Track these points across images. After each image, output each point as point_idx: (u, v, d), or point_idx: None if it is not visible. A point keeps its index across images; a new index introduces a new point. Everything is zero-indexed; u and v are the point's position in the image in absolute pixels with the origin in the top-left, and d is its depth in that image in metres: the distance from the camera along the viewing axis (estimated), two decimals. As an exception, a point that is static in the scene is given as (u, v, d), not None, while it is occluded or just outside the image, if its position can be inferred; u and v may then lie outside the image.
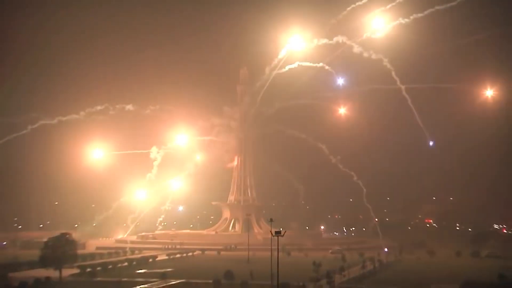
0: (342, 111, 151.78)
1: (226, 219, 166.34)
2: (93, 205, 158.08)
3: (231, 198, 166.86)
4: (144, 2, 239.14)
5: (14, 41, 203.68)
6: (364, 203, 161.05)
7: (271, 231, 60.92)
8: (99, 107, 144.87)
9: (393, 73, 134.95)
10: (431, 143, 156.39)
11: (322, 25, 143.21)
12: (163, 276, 79.25)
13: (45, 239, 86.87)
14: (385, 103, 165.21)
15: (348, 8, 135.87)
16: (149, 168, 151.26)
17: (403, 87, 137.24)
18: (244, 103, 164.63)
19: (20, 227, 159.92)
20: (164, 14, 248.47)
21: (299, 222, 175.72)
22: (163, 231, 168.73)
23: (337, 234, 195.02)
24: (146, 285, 71.83)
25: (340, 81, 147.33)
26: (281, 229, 59.17)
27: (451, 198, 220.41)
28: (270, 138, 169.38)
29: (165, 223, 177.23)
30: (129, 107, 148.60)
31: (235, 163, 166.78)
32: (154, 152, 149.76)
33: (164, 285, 72.67)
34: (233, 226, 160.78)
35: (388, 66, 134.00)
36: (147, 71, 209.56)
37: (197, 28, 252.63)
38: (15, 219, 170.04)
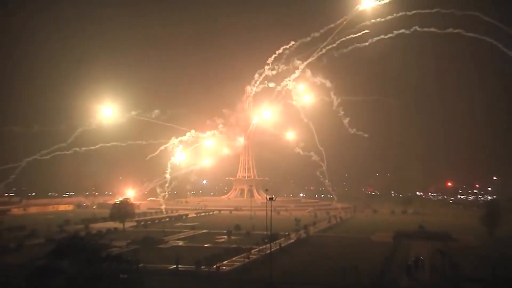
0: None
1: (235, 189, 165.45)
2: (145, 180, 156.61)
3: (239, 174, 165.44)
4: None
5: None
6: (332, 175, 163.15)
7: (266, 198, 61.22)
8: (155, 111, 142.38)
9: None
10: None
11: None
12: (193, 228, 79.89)
13: (113, 202, 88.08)
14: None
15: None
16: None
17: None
18: (247, 110, 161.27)
19: (96, 193, 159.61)
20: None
21: (286, 191, 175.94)
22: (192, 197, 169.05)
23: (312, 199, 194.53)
24: (181, 234, 72.71)
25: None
26: (273, 196, 59.40)
27: (388, 175, 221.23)
28: (266, 134, 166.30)
29: (193, 192, 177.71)
30: (157, 111, 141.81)
31: (243, 142, 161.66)
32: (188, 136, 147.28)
33: (193, 233, 73.25)
34: (241, 194, 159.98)
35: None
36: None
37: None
38: (93, 188, 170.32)
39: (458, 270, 41.48)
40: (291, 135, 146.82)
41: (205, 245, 59.40)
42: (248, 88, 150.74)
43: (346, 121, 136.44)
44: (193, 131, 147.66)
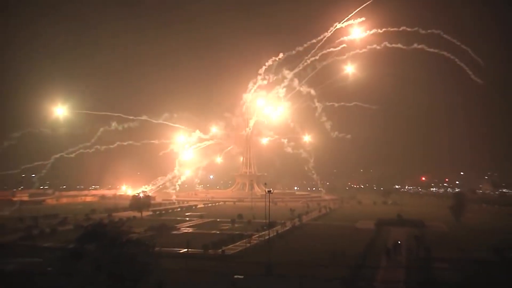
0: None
1: (238, 183, 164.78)
2: (158, 175, 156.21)
3: (241, 170, 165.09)
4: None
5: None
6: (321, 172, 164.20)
7: (265, 190, 61.25)
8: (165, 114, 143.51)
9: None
10: None
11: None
12: (201, 217, 79.96)
13: (132, 194, 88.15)
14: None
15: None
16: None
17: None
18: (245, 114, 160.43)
19: (118, 187, 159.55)
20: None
21: (282, 185, 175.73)
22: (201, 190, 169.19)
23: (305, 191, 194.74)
24: (191, 222, 72.72)
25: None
26: (271, 189, 59.52)
27: (371, 171, 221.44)
28: (263, 136, 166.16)
29: (202, 185, 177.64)
30: (166, 115, 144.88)
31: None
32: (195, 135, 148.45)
33: (201, 221, 73.13)
34: (243, 187, 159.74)
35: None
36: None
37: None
38: (114, 182, 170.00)
39: (430, 252, 41.56)
40: (285, 140, 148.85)
41: (212, 232, 59.37)
42: (244, 96, 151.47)
43: (328, 125, 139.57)
44: (197, 132, 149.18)
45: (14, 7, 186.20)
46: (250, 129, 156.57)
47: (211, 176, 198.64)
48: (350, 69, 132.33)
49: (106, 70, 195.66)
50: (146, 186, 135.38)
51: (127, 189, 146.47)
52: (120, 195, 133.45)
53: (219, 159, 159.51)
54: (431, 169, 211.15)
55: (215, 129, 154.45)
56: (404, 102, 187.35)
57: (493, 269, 33.79)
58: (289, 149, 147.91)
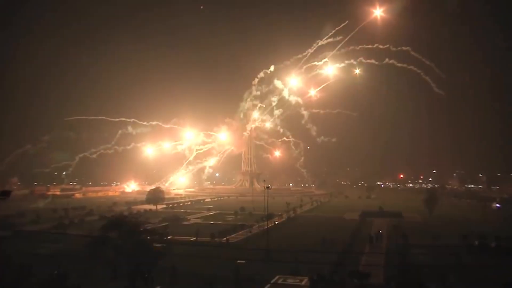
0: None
1: (240, 179, 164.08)
2: (169, 173, 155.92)
3: (243, 168, 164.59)
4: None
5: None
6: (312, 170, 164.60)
7: (264, 186, 61.25)
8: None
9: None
10: None
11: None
12: (208, 209, 79.92)
13: (148, 189, 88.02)
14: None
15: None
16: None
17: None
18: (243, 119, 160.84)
19: (136, 183, 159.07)
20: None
21: (278, 181, 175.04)
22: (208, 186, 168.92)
23: (298, 187, 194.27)
24: (199, 214, 72.56)
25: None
26: (269, 185, 59.54)
27: (356, 169, 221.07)
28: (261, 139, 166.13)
29: (208, 182, 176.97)
30: (174, 120, 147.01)
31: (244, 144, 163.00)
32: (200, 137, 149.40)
33: (209, 213, 72.98)
34: (244, 184, 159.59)
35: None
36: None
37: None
38: (132, 179, 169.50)
39: (406, 239, 41.50)
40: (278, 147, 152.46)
41: (218, 222, 59.27)
42: (241, 104, 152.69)
43: (314, 130, 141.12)
44: (202, 134, 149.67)
45: (45, 20, 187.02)
46: (248, 133, 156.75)
47: (217, 174, 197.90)
48: (332, 79, 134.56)
49: (121, 81, 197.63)
50: (158, 183, 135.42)
51: (144, 185, 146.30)
52: (138, 190, 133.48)
53: (220, 160, 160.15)
54: (408, 167, 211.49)
55: (218, 133, 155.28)
56: (380, 109, 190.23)
57: (460, 253, 34.43)
58: (282, 150, 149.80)
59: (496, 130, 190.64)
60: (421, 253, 36.60)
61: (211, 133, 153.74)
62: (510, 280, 24.72)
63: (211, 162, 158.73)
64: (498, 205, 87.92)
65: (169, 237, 37.29)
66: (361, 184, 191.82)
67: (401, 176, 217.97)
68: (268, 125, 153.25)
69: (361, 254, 36.55)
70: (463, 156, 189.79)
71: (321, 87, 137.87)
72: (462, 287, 25.56)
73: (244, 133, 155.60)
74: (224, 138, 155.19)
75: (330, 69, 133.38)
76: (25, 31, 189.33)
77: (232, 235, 45.08)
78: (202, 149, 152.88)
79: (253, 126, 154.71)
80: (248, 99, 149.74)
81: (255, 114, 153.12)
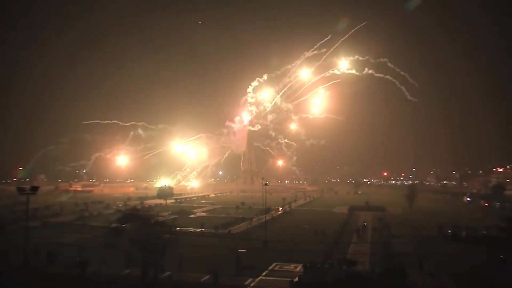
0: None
1: (241, 177, 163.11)
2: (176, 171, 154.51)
3: (243, 167, 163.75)
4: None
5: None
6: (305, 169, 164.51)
7: (262, 183, 61.19)
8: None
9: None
10: None
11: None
12: (212, 203, 79.70)
13: (159, 186, 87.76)
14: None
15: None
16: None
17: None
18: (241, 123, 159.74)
19: (148, 180, 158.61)
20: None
21: (275, 178, 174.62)
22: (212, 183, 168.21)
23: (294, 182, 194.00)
24: (204, 208, 72.35)
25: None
26: (267, 182, 59.52)
27: (345, 168, 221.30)
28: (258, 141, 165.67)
29: (212, 179, 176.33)
30: (180, 123, 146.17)
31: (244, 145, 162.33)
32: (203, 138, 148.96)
33: (213, 207, 72.50)
34: (245, 181, 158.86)
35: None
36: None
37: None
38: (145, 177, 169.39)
39: (389, 230, 41.50)
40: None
41: (221, 216, 58.96)
42: (239, 109, 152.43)
43: (303, 134, 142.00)
44: (210, 134, 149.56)
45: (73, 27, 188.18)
46: (246, 136, 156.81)
47: (220, 172, 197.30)
48: (318, 87, 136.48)
49: (132, 89, 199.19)
50: (166, 179, 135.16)
51: (156, 182, 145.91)
52: (150, 187, 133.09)
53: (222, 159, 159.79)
54: (390, 166, 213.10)
55: (219, 135, 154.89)
56: (362, 114, 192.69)
57: (436, 242, 35.33)
58: (275, 151, 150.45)
59: (466, 133, 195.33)
60: (402, 242, 36.57)
61: (212, 135, 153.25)
62: (477, 263, 25.03)
63: (214, 161, 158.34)
64: (468, 198, 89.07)
65: (177, 229, 37.28)
66: (349, 181, 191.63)
67: (385, 174, 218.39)
68: (259, 127, 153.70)
69: (349, 244, 36.51)
70: (439, 156, 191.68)
71: (308, 95, 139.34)
72: (437, 271, 25.65)
73: (243, 135, 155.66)
74: (224, 139, 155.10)
75: (316, 77, 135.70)
76: (48, 46, 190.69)
77: (234, 227, 44.97)
78: (205, 149, 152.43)
79: (251, 128, 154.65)
80: (245, 105, 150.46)
81: (250, 118, 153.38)
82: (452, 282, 24.05)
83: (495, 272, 24.33)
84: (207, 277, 24.43)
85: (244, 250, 28.26)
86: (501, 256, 26.84)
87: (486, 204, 76.88)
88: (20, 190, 27.83)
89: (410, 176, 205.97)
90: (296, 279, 23.31)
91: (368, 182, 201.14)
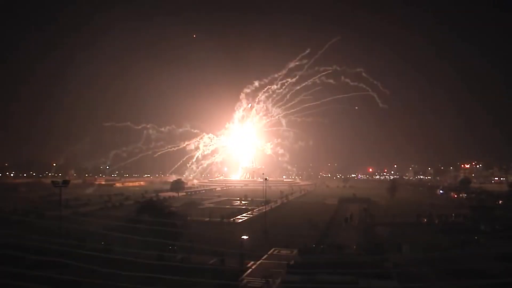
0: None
1: (245, 173, 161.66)
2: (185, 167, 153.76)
3: (246, 164, 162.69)
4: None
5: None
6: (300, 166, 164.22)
7: (262, 178, 61.14)
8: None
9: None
10: None
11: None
12: (219, 196, 79.62)
13: (171, 180, 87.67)
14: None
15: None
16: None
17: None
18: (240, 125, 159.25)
19: (161, 173, 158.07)
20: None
21: (274, 174, 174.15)
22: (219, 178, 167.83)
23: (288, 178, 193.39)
24: (212, 200, 72.43)
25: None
26: (267, 177, 59.45)
27: (336, 164, 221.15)
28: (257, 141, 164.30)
29: (219, 174, 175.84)
30: (187, 124, 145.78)
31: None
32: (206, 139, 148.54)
33: (219, 199, 72.21)
34: (247, 176, 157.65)
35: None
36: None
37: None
38: (160, 172, 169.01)
39: (374, 219, 41.55)
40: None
41: (227, 207, 58.94)
42: (234, 114, 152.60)
43: (291, 136, 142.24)
44: (211, 135, 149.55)
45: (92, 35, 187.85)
46: (246, 136, 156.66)
47: (225, 168, 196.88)
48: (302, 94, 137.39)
49: (142, 95, 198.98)
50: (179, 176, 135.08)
51: (168, 176, 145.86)
52: (164, 181, 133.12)
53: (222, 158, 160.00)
54: (374, 162, 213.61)
55: (220, 136, 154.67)
56: (343, 116, 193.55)
57: (413, 228, 35.98)
58: (270, 151, 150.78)
59: (438, 133, 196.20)
60: (384, 229, 36.63)
61: (214, 135, 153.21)
62: (447, 247, 26.18)
63: (219, 158, 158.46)
64: (441, 191, 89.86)
65: (188, 218, 37.35)
66: (339, 176, 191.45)
67: (370, 170, 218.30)
68: (255, 128, 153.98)
69: (338, 231, 36.58)
70: (417, 154, 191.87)
71: (295, 101, 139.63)
72: (413, 254, 25.89)
73: (242, 136, 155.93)
74: (226, 140, 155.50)
75: (300, 85, 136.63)
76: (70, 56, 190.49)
77: (237, 217, 45.04)
78: (209, 148, 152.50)
79: (248, 129, 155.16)
80: (239, 110, 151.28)
81: (247, 120, 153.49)
82: (424, 261, 24.37)
83: (458, 251, 25.61)
84: (214, 259, 24.56)
85: (247, 237, 28.32)
86: (462, 238, 28.60)
87: (455, 196, 77.53)
88: (54, 183, 28.27)
89: (392, 172, 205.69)
90: (292, 262, 23.41)
91: (356, 177, 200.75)
